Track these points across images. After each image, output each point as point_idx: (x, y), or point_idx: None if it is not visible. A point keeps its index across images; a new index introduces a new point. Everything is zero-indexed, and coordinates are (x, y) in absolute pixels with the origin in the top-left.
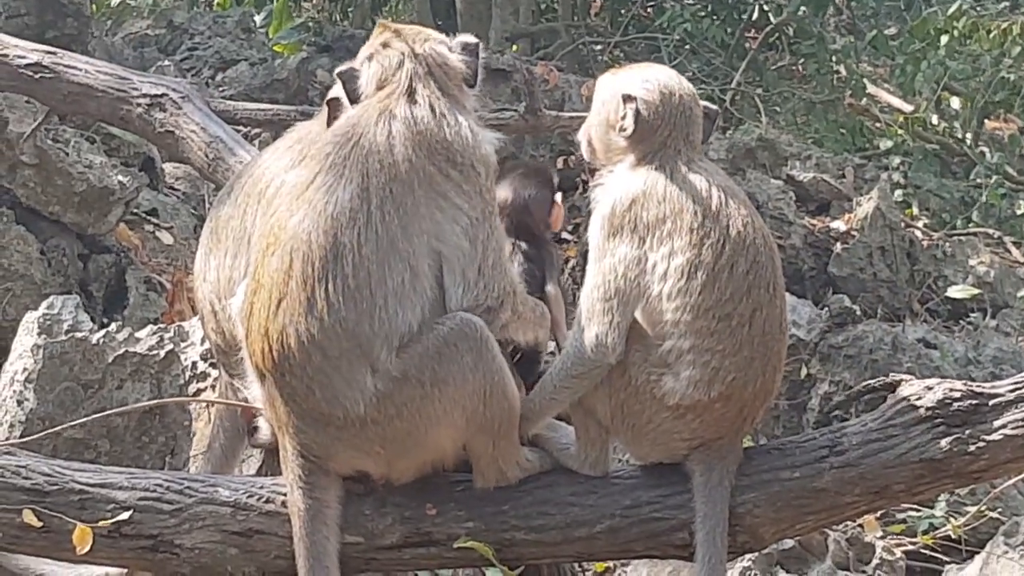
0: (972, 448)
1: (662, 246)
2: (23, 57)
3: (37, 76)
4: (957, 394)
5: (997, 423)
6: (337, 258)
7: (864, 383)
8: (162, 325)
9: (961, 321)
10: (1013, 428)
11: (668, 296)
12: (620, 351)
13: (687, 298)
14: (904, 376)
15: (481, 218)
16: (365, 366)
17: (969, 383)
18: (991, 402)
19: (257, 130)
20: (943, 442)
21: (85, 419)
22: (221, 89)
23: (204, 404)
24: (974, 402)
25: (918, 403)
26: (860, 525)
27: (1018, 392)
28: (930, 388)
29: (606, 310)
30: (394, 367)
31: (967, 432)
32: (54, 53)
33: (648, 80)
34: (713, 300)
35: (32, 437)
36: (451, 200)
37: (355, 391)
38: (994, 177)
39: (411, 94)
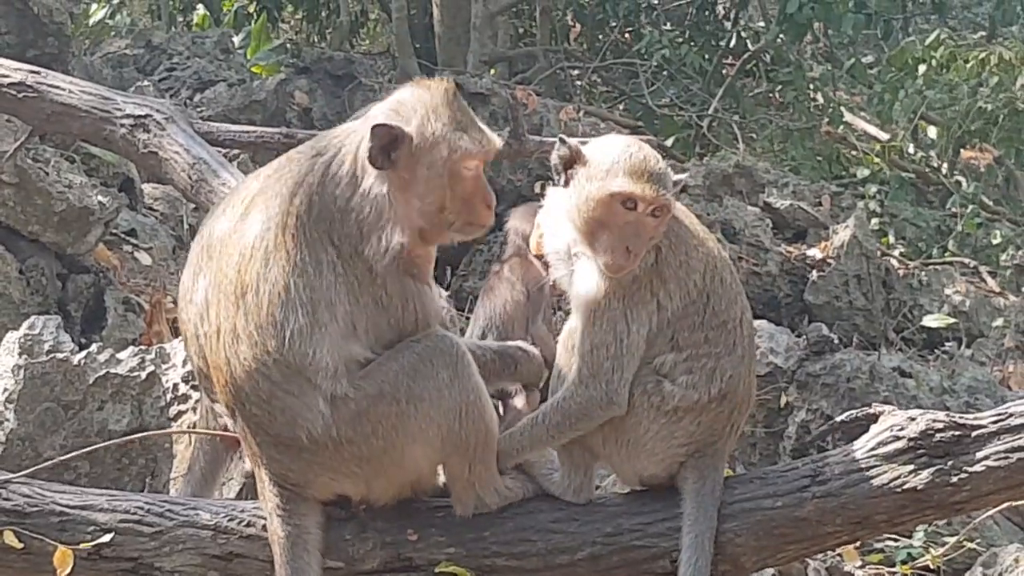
0: (954, 479)
1: (663, 287)
2: (6, 76)
3: (20, 95)
4: (940, 425)
5: (979, 454)
6: (244, 295)
7: (847, 413)
8: (143, 347)
9: (936, 350)
10: (995, 460)
11: (665, 324)
12: (626, 399)
13: (683, 320)
14: (886, 407)
15: (371, 305)
16: (313, 390)
17: (952, 414)
18: (974, 433)
19: (236, 151)
20: (925, 473)
21: (81, 451)
22: (199, 110)
23: (185, 427)
24: (957, 433)
25: (901, 434)
26: (839, 555)
27: (1000, 424)
28: (913, 419)
29: (615, 368)
30: (347, 390)
31: (949, 463)
32: (38, 72)
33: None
34: (708, 315)
35: (40, 466)
36: (328, 273)
37: (313, 412)
38: (970, 207)
39: (333, 161)
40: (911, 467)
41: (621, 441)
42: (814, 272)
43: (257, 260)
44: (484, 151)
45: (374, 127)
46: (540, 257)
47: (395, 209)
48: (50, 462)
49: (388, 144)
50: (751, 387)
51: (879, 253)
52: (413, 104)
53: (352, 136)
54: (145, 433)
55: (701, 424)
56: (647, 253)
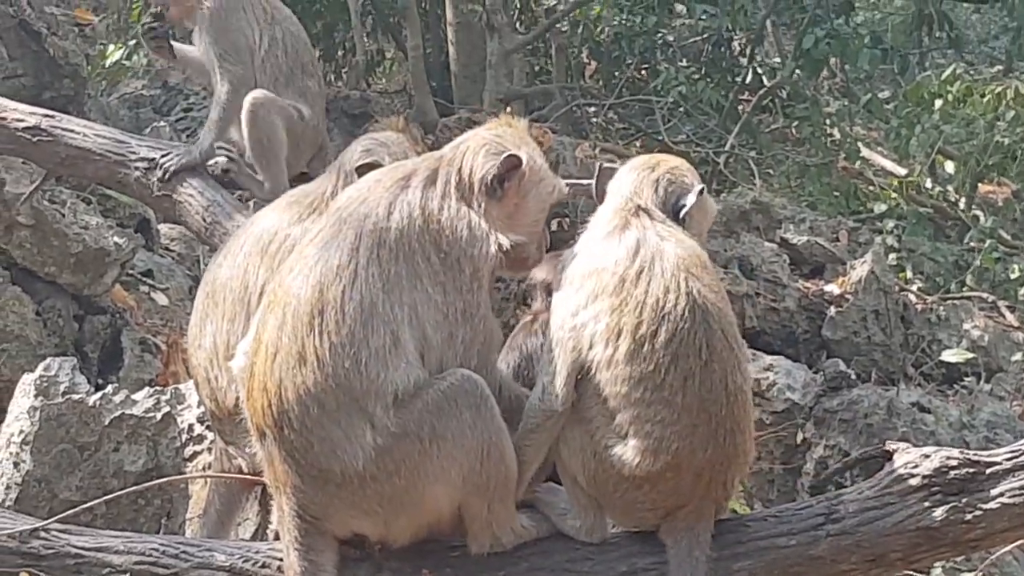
0: (969, 516)
1: (590, 305)
2: (21, 120)
3: (35, 139)
4: (954, 462)
5: (994, 491)
6: (322, 313)
7: (862, 451)
8: (159, 388)
9: (955, 385)
10: (1010, 496)
11: (606, 364)
12: (566, 400)
13: (620, 368)
14: (901, 444)
15: (459, 315)
16: (363, 420)
17: (966, 451)
18: (988, 470)
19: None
20: (940, 510)
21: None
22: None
23: (201, 467)
24: (971, 470)
25: (915, 471)
26: None
27: (1015, 460)
28: (927, 456)
29: (551, 360)
30: (392, 423)
31: (964, 500)
32: (52, 116)
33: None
34: (640, 371)
35: (66, 513)
36: (424, 284)
37: (355, 445)
38: (988, 241)
39: (432, 181)
40: (926, 504)
41: (601, 491)
42: (832, 308)
43: (344, 279)
44: (566, 193)
45: (509, 156)
46: None
47: (500, 229)
48: (74, 510)
49: (507, 173)
50: (725, 451)
51: (897, 288)
52: (513, 138)
53: (447, 161)
54: (163, 479)
55: (661, 491)
56: None
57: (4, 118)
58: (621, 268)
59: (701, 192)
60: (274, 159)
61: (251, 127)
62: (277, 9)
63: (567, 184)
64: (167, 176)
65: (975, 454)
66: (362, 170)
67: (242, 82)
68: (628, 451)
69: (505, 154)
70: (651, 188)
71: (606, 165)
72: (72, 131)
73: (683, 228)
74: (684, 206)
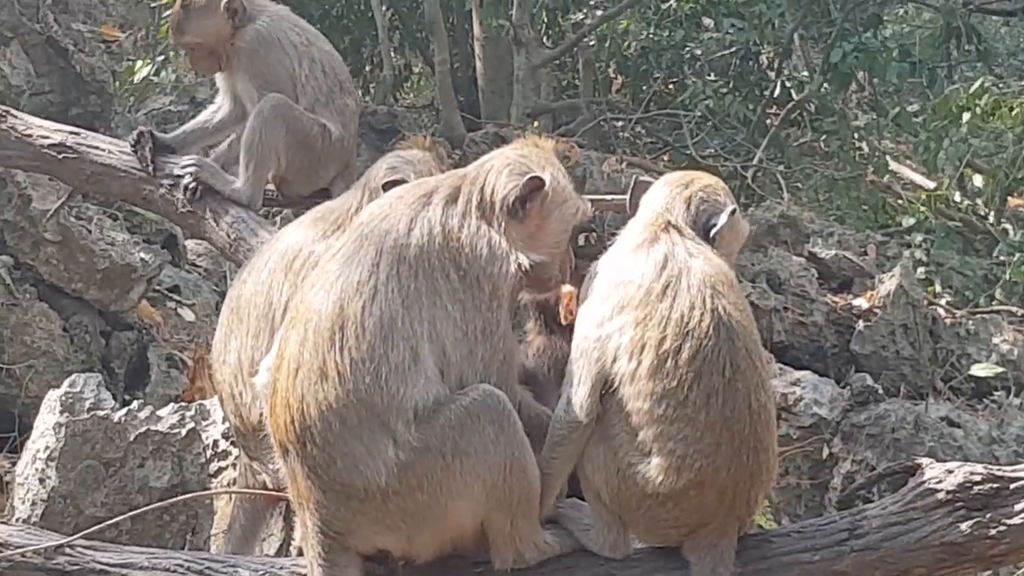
0: (993, 532)
1: (616, 316)
2: (47, 137)
3: (60, 156)
4: (978, 477)
5: (1018, 507)
6: (342, 328)
7: (886, 466)
8: (183, 403)
9: (985, 399)
10: None
11: (629, 379)
12: (590, 411)
13: (643, 384)
14: (925, 459)
15: (478, 333)
16: (385, 436)
17: (990, 466)
18: (1012, 485)
19: (276, 209)
20: (964, 526)
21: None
22: None
23: (225, 483)
24: (995, 485)
25: (939, 486)
26: None
27: None
28: (951, 471)
29: (575, 371)
30: (414, 438)
31: (988, 516)
32: (77, 133)
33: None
34: (663, 387)
35: (92, 529)
36: (443, 301)
37: (377, 461)
38: (1017, 255)
39: (453, 199)
40: (949, 520)
41: (624, 508)
42: (860, 322)
43: (364, 294)
44: (590, 214)
45: (532, 178)
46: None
47: (520, 248)
48: (100, 525)
49: (529, 194)
50: (749, 469)
51: (926, 302)
52: (538, 159)
53: (470, 180)
54: (188, 495)
55: (685, 509)
56: None
57: (29, 135)
58: (647, 281)
59: (733, 212)
60: (258, 163)
61: (253, 119)
62: (308, 31)
63: (593, 199)
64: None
65: (999, 469)
66: (387, 187)
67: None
68: (651, 468)
69: (528, 175)
70: (683, 205)
71: (641, 179)
72: (97, 148)
73: (713, 247)
74: (715, 225)
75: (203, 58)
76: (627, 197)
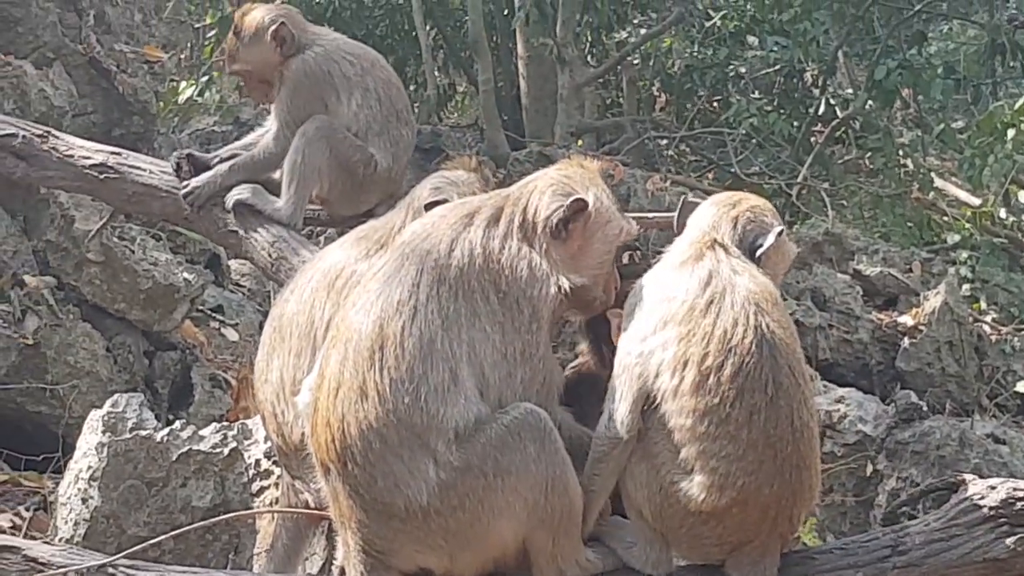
0: None
1: (659, 332)
2: (88, 158)
3: (102, 176)
4: (1021, 493)
5: None
6: (382, 348)
7: (929, 483)
8: (226, 423)
9: None
10: None
11: (672, 395)
12: (631, 427)
13: (685, 400)
14: (968, 475)
15: (517, 355)
16: (426, 455)
17: None
18: None
19: (320, 228)
20: (1007, 541)
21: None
22: None
23: (267, 502)
24: None
25: (981, 502)
26: None
27: None
28: (993, 487)
29: (617, 387)
30: (455, 458)
31: None
32: (119, 154)
33: None
34: (706, 403)
35: (135, 548)
36: (482, 323)
37: (418, 480)
38: None
39: (495, 220)
40: (992, 536)
41: (667, 526)
42: (905, 339)
43: (404, 314)
44: (635, 234)
45: (576, 200)
46: None
47: (562, 270)
48: (142, 545)
49: (572, 215)
50: (792, 487)
51: (971, 319)
52: (582, 180)
53: (513, 200)
54: (232, 514)
55: (727, 527)
56: None
57: (71, 156)
58: (691, 297)
59: (780, 233)
60: (300, 183)
61: (298, 140)
62: (364, 59)
63: (637, 217)
64: (197, 203)
65: None
66: (430, 208)
67: (284, 152)
68: (694, 486)
69: (572, 197)
70: (730, 224)
71: (690, 199)
72: (139, 168)
73: (759, 267)
74: (761, 245)
75: (255, 87)
76: (674, 215)
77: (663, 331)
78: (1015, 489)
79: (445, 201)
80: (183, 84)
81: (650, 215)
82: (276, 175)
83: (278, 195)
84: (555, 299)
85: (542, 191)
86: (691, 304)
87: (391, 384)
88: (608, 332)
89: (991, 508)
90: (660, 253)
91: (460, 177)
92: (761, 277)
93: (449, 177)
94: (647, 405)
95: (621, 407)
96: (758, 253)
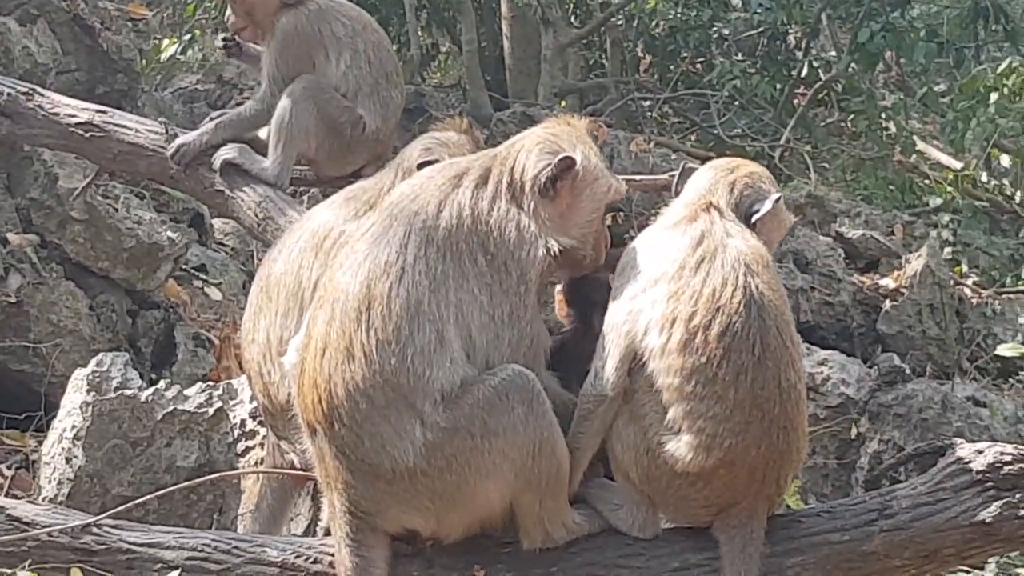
0: (1023, 512)
1: (649, 290)
2: (74, 116)
3: (88, 135)
4: (1008, 458)
5: None
6: (369, 308)
7: (915, 446)
8: (211, 383)
9: (1011, 379)
10: None
11: (659, 353)
12: (616, 385)
13: (672, 359)
14: (955, 439)
15: (505, 317)
16: (413, 416)
17: (1020, 447)
18: None
19: (304, 188)
20: (994, 506)
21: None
22: None
23: (253, 462)
24: None
25: (968, 466)
26: None
27: None
28: (980, 452)
29: (605, 344)
30: (442, 418)
31: (1018, 496)
32: (104, 112)
33: None
34: (693, 362)
35: (120, 508)
36: (470, 285)
37: (404, 441)
38: None
39: (484, 181)
40: (979, 500)
41: (653, 487)
42: (887, 302)
43: (391, 275)
44: (623, 193)
45: (564, 157)
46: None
47: (550, 231)
48: (127, 505)
49: (560, 173)
50: (779, 448)
51: (952, 282)
52: (570, 138)
53: (500, 160)
54: (216, 475)
55: (714, 488)
56: None
57: (56, 114)
58: (682, 255)
59: (778, 200)
60: (287, 143)
61: (285, 99)
62: (357, 20)
63: (625, 179)
64: (183, 161)
65: None
66: (422, 168)
67: (271, 109)
68: (681, 447)
69: (560, 155)
70: (726, 188)
71: (689, 165)
72: (125, 127)
73: (754, 233)
74: (758, 211)
75: (244, 21)
76: (660, 178)
77: (652, 289)
78: (1002, 453)
79: (436, 162)
80: (166, 42)
81: (637, 177)
82: (263, 135)
83: (265, 155)
84: (543, 261)
85: (529, 149)
86: (681, 263)
87: (378, 345)
88: (600, 298)
89: (978, 472)
90: (643, 215)
91: (451, 138)
92: (753, 240)
93: (439, 138)
94: (634, 363)
95: (608, 364)
96: (754, 219)
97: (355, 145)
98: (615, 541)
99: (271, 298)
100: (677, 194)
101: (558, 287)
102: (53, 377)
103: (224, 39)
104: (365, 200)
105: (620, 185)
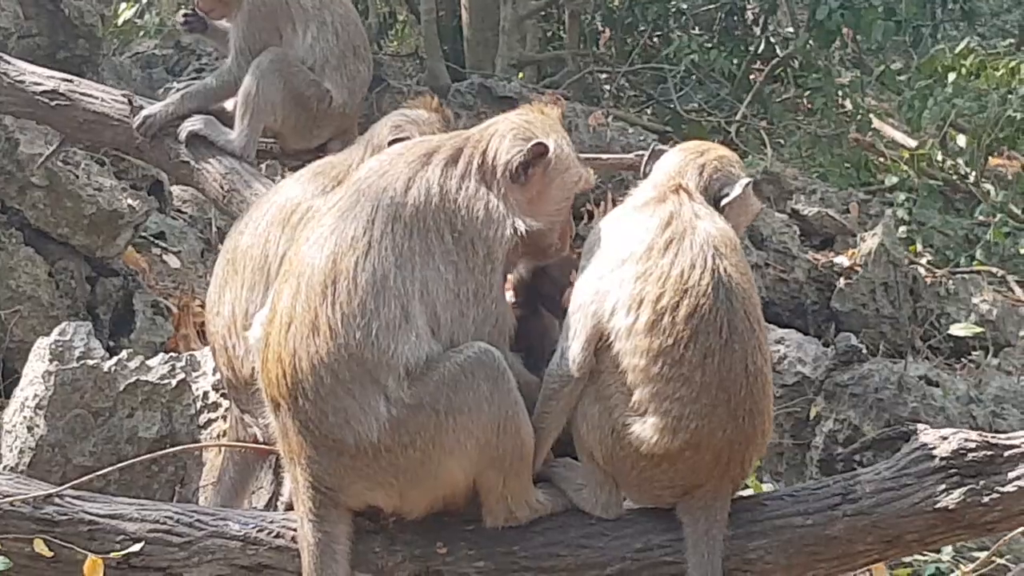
0: (986, 499)
1: (616, 270)
2: (39, 84)
3: (53, 103)
4: (972, 444)
5: (1012, 474)
6: (335, 283)
7: (880, 431)
8: (174, 353)
9: (963, 359)
10: None
11: (626, 334)
12: (582, 366)
13: (639, 339)
14: (920, 425)
15: (470, 295)
16: (377, 392)
17: (984, 433)
18: (1006, 453)
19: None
20: (957, 492)
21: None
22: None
23: (215, 435)
24: (989, 453)
25: (933, 452)
26: (869, 571)
27: None
28: (945, 438)
29: (571, 324)
30: (406, 395)
31: (981, 483)
32: (70, 80)
33: None
34: (660, 343)
35: (81, 479)
36: (436, 262)
37: (369, 416)
38: (998, 215)
39: (454, 160)
40: (943, 486)
41: (617, 468)
42: (841, 280)
43: (357, 250)
44: (592, 183)
45: (537, 144)
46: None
47: (518, 213)
48: (88, 476)
49: (533, 160)
50: (744, 431)
51: (906, 261)
52: (543, 126)
53: (473, 142)
54: (177, 447)
55: (679, 470)
56: None
57: (22, 81)
58: (650, 236)
59: (748, 185)
60: (253, 116)
61: (251, 72)
62: None
63: (588, 159)
64: (149, 132)
65: (993, 436)
66: (392, 146)
67: (238, 81)
68: (646, 428)
69: (533, 142)
70: (696, 171)
71: (658, 147)
72: (90, 96)
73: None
74: (727, 195)
75: (213, 15)
76: (624, 157)
77: (620, 269)
78: (967, 440)
79: (407, 139)
80: (123, 5)
81: (604, 156)
82: (229, 107)
83: (231, 127)
84: (510, 241)
85: (503, 134)
86: (649, 243)
87: (343, 319)
88: (549, 291)
89: (942, 458)
90: (599, 190)
91: (421, 116)
92: (722, 223)
93: (410, 115)
94: (601, 343)
95: (574, 345)
96: (723, 203)
97: (321, 118)
98: (578, 521)
99: (237, 271)
100: (646, 175)
101: (510, 276)
102: (11, 343)
103: (185, 15)
104: (333, 176)
105: (589, 175)
